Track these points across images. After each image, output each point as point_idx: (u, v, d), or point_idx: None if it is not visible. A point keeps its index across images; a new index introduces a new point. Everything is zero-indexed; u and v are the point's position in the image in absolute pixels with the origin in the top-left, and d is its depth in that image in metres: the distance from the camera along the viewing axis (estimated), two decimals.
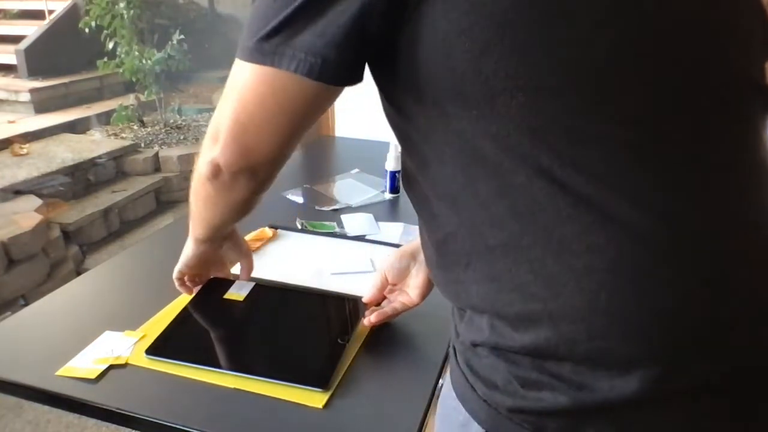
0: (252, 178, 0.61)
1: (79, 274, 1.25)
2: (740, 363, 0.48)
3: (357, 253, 1.05)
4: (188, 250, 0.81)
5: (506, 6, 0.44)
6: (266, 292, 0.90)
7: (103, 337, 0.80)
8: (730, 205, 0.49)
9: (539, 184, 0.46)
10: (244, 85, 0.54)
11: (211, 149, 0.59)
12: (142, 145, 4.75)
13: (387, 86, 0.55)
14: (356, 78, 0.53)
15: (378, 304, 0.85)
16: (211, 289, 0.89)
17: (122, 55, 5.02)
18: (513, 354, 0.51)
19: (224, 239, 0.84)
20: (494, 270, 0.50)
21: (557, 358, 0.48)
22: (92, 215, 3.71)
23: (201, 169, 0.62)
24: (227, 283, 0.90)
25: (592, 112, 0.46)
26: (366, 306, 0.85)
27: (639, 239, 0.45)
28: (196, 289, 0.88)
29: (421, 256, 0.81)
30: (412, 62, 0.49)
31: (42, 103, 5.14)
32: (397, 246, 1.08)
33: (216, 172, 0.60)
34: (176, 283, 0.86)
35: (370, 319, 0.82)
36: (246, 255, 0.89)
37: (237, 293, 0.88)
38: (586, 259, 0.46)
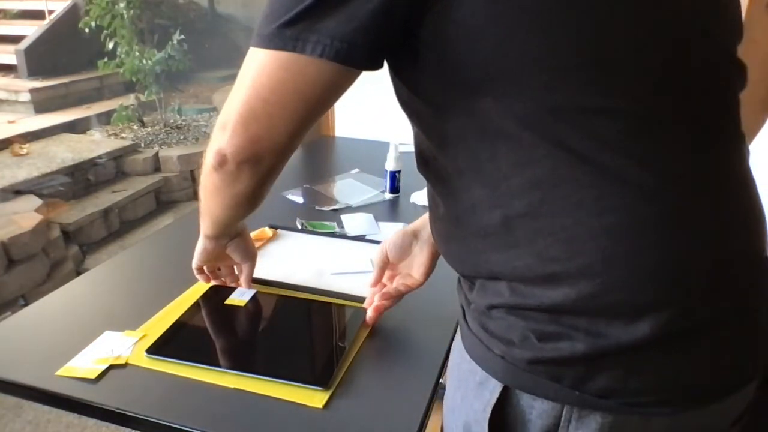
0: (257, 167, 0.61)
1: (79, 274, 1.25)
2: (736, 305, 0.54)
3: (357, 253, 1.05)
4: (199, 245, 0.83)
5: None
6: (268, 298, 0.90)
7: (103, 337, 0.80)
8: (722, 166, 0.55)
9: (559, 155, 0.50)
10: (260, 72, 0.54)
11: (219, 138, 0.59)
12: (142, 145, 4.75)
13: (405, 69, 0.56)
14: (381, 61, 0.54)
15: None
16: (213, 295, 0.90)
17: (122, 55, 5.03)
18: (531, 312, 0.54)
19: (232, 238, 0.84)
20: (513, 238, 0.54)
21: (575, 313, 0.52)
22: (92, 215, 3.71)
23: (208, 159, 0.63)
24: (229, 289, 0.91)
25: (610, 87, 0.50)
26: (371, 289, 0.85)
27: (649, 199, 0.50)
28: (215, 281, 0.90)
29: (424, 234, 0.82)
30: (437, 46, 0.51)
31: (42, 103, 5.14)
32: None
33: (222, 161, 0.60)
34: (195, 273, 0.87)
35: (369, 316, 0.82)
36: (250, 259, 0.89)
37: (239, 299, 0.89)
38: (603, 220, 0.50)
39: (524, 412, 0.56)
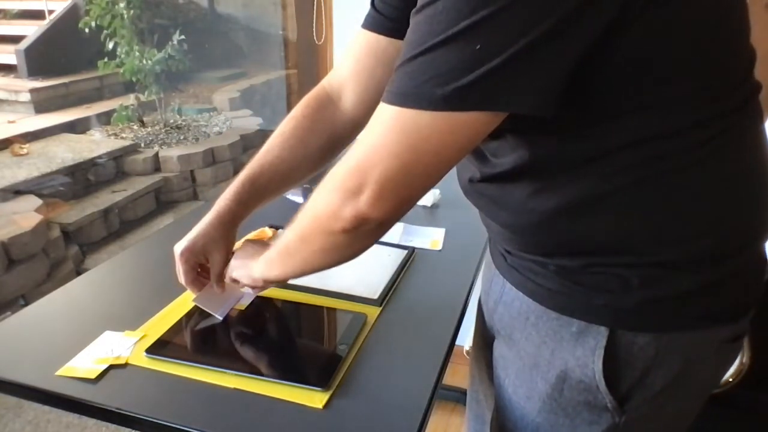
0: (390, 225, 0.59)
1: (79, 274, 1.25)
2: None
3: None
4: (244, 273, 0.78)
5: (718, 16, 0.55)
6: (268, 300, 0.90)
7: (103, 337, 0.80)
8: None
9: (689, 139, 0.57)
10: (424, 135, 0.51)
11: (353, 201, 0.55)
12: (142, 145, 4.75)
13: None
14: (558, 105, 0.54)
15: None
16: None
17: (122, 55, 5.02)
18: (637, 266, 0.61)
19: None
20: (624, 215, 0.60)
21: (682, 263, 0.60)
22: (92, 215, 3.71)
23: (333, 224, 0.58)
24: None
25: (736, 88, 0.59)
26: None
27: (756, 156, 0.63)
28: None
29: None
30: (608, 75, 0.53)
31: (42, 103, 5.13)
32: (396, 246, 1.08)
33: (361, 224, 0.57)
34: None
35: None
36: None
37: (239, 303, 0.88)
38: (714, 192, 0.60)
39: (629, 347, 0.63)
